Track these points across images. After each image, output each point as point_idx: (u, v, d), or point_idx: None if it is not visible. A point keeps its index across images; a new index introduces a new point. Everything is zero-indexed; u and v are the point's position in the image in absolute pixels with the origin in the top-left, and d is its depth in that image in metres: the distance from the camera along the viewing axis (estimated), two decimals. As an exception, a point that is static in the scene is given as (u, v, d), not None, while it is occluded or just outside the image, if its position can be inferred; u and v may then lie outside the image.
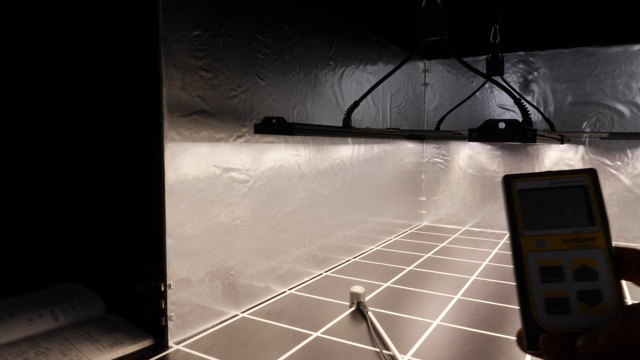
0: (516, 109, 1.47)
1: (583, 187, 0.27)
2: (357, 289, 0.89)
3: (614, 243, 0.26)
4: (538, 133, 0.66)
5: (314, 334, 0.77)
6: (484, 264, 1.22)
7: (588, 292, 0.25)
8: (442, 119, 1.53)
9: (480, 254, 1.33)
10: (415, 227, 1.73)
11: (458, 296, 0.97)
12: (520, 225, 0.28)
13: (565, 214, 0.27)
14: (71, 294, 0.84)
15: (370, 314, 0.83)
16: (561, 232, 0.27)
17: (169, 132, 0.70)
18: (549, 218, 0.27)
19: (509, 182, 0.28)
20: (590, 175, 0.27)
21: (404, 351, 0.71)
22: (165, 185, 0.69)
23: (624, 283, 0.26)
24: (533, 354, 0.25)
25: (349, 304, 0.90)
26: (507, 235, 1.47)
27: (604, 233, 0.26)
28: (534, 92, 1.58)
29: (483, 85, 1.56)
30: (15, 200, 0.93)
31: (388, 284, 1.05)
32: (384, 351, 0.70)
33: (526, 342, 0.25)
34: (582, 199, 0.27)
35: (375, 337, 0.75)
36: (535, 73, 1.58)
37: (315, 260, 1.10)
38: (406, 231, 1.65)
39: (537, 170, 1.59)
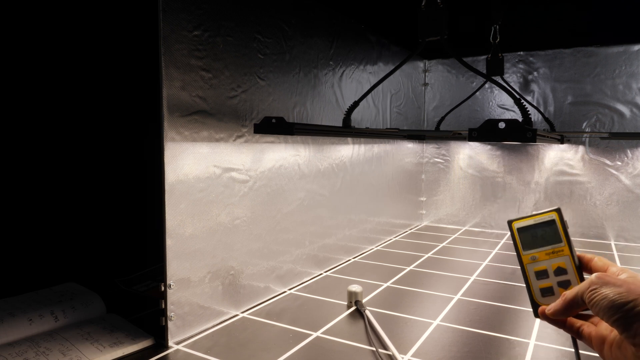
0: (516, 109, 1.47)
1: (553, 220, 0.45)
2: (355, 287, 0.89)
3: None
4: (538, 133, 0.66)
5: (314, 334, 0.77)
6: (484, 264, 1.22)
7: (562, 281, 0.45)
8: (442, 119, 1.53)
9: (480, 254, 1.33)
10: (415, 227, 1.73)
11: (458, 296, 0.97)
12: (521, 248, 0.47)
13: (545, 238, 0.46)
14: (71, 294, 0.84)
15: (367, 312, 0.83)
16: (544, 249, 0.45)
17: (169, 132, 0.70)
18: (536, 242, 0.46)
19: (510, 223, 0.47)
20: (557, 212, 0.45)
21: (404, 351, 0.71)
22: (165, 185, 0.69)
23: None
24: (539, 318, 0.45)
25: (346, 303, 0.90)
26: (507, 236, 1.46)
27: (568, 246, 0.45)
28: (534, 92, 1.58)
29: (483, 85, 1.56)
30: (15, 200, 0.93)
31: (388, 284, 1.05)
32: (380, 350, 0.70)
33: (533, 313, 0.45)
34: (553, 227, 0.45)
35: (371, 335, 0.75)
36: (535, 73, 1.58)
37: (315, 260, 1.10)
38: (406, 231, 1.65)
39: (536, 171, 1.59)
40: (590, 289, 0.39)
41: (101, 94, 1.01)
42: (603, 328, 0.41)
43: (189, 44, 0.72)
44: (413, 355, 0.70)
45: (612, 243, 1.48)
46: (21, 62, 0.91)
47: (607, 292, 0.37)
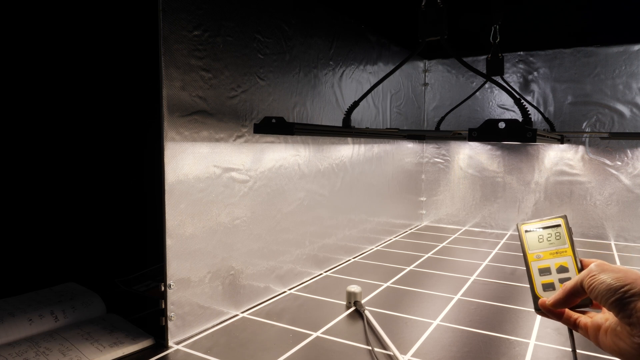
0: (516, 109, 1.47)
1: (559, 224, 0.50)
2: (353, 288, 0.89)
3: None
4: (538, 133, 0.66)
5: (314, 334, 0.77)
6: (484, 264, 1.22)
7: (563, 278, 0.47)
8: (442, 119, 1.53)
9: (480, 254, 1.33)
10: (415, 227, 1.73)
11: (458, 296, 0.97)
12: (527, 247, 0.50)
13: (550, 240, 0.50)
14: (71, 294, 0.84)
15: (367, 312, 0.83)
16: (549, 249, 0.49)
17: (169, 132, 0.70)
18: (541, 243, 0.50)
19: (519, 226, 0.52)
20: (563, 218, 0.50)
21: (404, 351, 0.71)
22: (165, 185, 0.69)
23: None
24: (538, 313, 0.48)
25: (345, 303, 0.90)
26: (508, 236, 1.46)
27: (571, 248, 0.48)
28: (534, 92, 1.58)
29: (483, 85, 1.56)
30: (15, 200, 0.93)
31: (388, 284, 1.05)
32: (377, 349, 0.70)
33: (534, 307, 0.48)
34: (559, 231, 0.49)
35: (369, 335, 0.75)
36: (535, 73, 1.58)
37: (315, 260, 1.10)
38: (406, 231, 1.65)
39: (536, 171, 1.59)
40: (589, 275, 0.42)
41: (101, 95, 1.02)
42: (598, 317, 0.43)
43: (189, 44, 0.72)
44: (413, 355, 0.70)
45: (612, 243, 1.48)
46: (22, 62, 0.91)
47: (605, 277, 0.41)
